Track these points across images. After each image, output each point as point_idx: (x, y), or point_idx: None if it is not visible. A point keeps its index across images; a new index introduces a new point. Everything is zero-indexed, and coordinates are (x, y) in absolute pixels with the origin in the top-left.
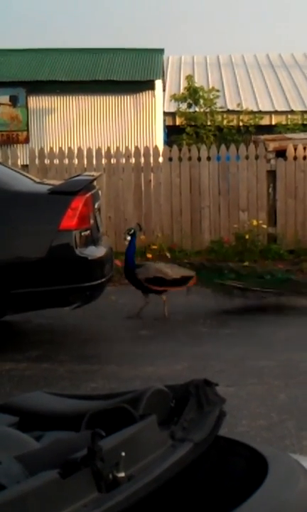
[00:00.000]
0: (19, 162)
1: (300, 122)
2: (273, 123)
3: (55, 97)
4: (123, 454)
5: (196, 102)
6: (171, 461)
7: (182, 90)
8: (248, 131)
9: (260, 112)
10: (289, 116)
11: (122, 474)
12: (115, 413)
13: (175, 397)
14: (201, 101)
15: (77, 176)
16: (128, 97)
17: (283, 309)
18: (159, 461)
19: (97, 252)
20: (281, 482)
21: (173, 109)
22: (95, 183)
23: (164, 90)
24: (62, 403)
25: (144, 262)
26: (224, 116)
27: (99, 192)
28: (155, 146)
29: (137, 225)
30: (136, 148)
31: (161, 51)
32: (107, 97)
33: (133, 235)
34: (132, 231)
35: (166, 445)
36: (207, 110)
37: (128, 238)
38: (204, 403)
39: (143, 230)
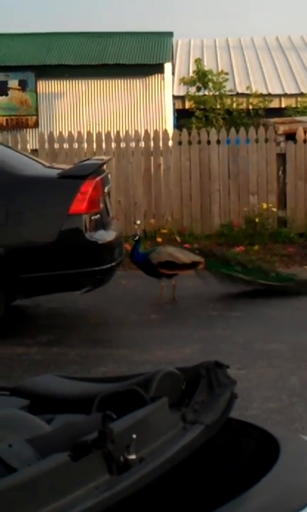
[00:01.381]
0: (28, 147)
1: None
2: (283, 106)
3: (64, 81)
4: (134, 436)
5: (205, 86)
6: (182, 444)
7: (191, 74)
8: (257, 115)
9: (269, 94)
10: (299, 99)
11: (133, 457)
12: (126, 396)
13: (186, 380)
14: (210, 84)
15: (87, 160)
16: (137, 80)
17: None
18: (170, 444)
19: (106, 236)
20: (293, 463)
21: (182, 93)
22: (105, 167)
23: (173, 74)
24: (73, 386)
25: (154, 246)
26: (234, 99)
27: (109, 176)
28: (165, 129)
29: (143, 232)
30: (146, 132)
31: (170, 34)
32: (116, 81)
33: (137, 241)
34: (137, 237)
35: (177, 427)
36: (217, 93)
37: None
38: (215, 385)
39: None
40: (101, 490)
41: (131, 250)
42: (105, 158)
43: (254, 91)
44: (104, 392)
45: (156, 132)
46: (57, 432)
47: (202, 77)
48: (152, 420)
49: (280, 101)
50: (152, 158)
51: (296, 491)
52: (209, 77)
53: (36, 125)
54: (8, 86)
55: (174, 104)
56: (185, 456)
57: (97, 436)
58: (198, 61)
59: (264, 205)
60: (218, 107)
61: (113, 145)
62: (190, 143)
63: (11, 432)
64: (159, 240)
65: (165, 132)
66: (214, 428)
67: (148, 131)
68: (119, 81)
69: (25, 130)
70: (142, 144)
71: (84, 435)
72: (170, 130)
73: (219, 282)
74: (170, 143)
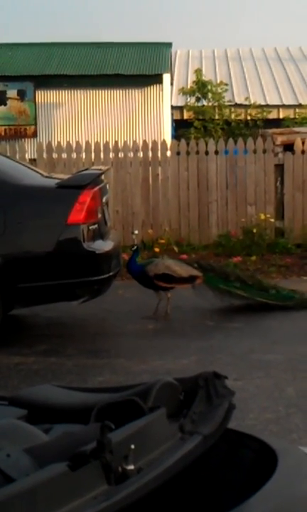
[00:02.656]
0: (27, 156)
1: None
2: (281, 117)
3: (63, 91)
4: (132, 446)
5: (204, 96)
6: (180, 454)
7: (190, 84)
8: (256, 125)
9: (268, 105)
10: (297, 110)
11: (131, 467)
12: (124, 406)
13: (184, 390)
14: (209, 95)
15: (85, 170)
16: (136, 90)
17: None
18: (168, 454)
19: (104, 246)
20: (291, 474)
21: (180, 103)
22: (103, 177)
23: (172, 84)
24: (71, 396)
25: (151, 258)
26: (232, 110)
27: (107, 186)
28: (163, 140)
29: (141, 242)
30: (144, 142)
31: (169, 45)
32: (115, 91)
33: (135, 251)
34: (135, 248)
35: (175, 438)
36: (216, 104)
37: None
38: (213, 396)
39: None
40: (99, 500)
41: (128, 260)
42: (103, 168)
43: (252, 102)
44: (102, 402)
45: (155, 142)
46: (55, 442)
47: (201, 88)
48: (150, 431)
49: (278, 112)
50: (150, 169)
51: (294, 502)
52: (209, 87)
53: (35, 135)
54: (7, 96)
55: (172, 115)
56: (183, 466)
57: (96, 446)
58: (198, 71)
59: (262, 216)
60: (217, 117)
61: (111, 155)
62: (188, 153)
63: (9, 442)
64: (157, 249)
65: (164, 142)
66: (213, 439)
67: (147, 141)
68: (118, 91)
69: (23, 140)
70: (140, 154)
71: (82, 445)
72: (169, 140)
73: (217, 297)
74: (169, 153)
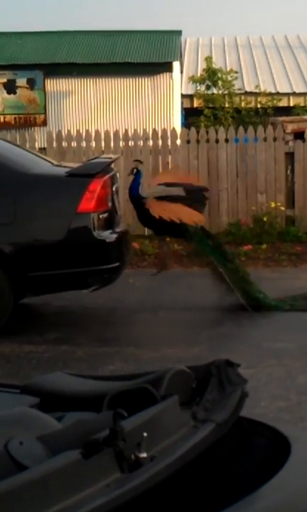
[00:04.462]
0: (37, 145)
1: None
2: (292, 105)
3: (73, 80)
4: (145, 434)
5: (215, 84)
6: (193, 442)
7: (200, 72)
8: (266, 113)
9: (278, 93)
10: None
11: (144, 455)
12: (137, 394)
13: (196, 378)
14: (219, 83)
15: (95, 158)
16: (145, 79)
17: None
18: (181, 442)
19: (114, 234)
20: (304, 461)
21: (190, 91)
22: (113, 165)
23: (181, 72)
24: (83, 384)
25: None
26: (242, 98)
27: (117, 174)
28: (173, 128)
29: (137, 161)
30: (154, 130)
31: (179, 33)
32: (125, 80)
33: (137, 173)
34: (135, 170)
35: (188, 426)
36: (226, 92)
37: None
38: (226, 384)
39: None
40: (112, 488)
41: (131, 184)
42: (113, 156)
43: (262, 90)
44: (114, 390)
45: (164, 131)
46: (68, 430)
47: (211, 76)
48: (163, 418)
49: (288, 100)
50: (160, 157)
51: None
52: (219, 75)
53: (44, 123)
54: (17, 84)
55: (182, 103)
56: (196, 454)
57: (108, 434)
58: (208, 59)
59: (272, 204)
60: (227, 105)
61: (121, 143)
62: (198, 141)
63: (22, 430)
64: (166, 239)
65: (174, 131)
66: (225, 426)
67: (157, 129)
68: (128, 79)
69: (33, 128)
70: (150, 143)
71: (95, 433)
72: (179, 129)
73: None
74: (179, 141)
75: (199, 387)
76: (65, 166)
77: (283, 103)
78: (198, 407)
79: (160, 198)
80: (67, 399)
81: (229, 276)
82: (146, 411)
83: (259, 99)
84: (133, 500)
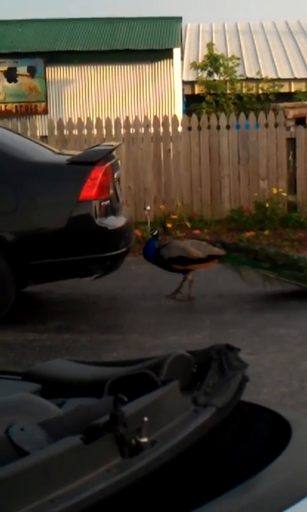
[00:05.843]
0: (38, 133)
1: None
2: (293, 90)
3: (73, 67)
4: (145, 419)
5: (216, 70)
6: (194, 427)
7: (201, 58)
8: (267, 99)
9: (279, 79)
10: None
11: (145, 440)
12: (137, 379)
13: (197, 363)
14: (221, 69)
15: (96, 146)
16: (146, 66)
17: None
18: (182, 426)
19: (116, 222)
20: (305, 445)
21: (191, 78)
22: (114, 153)
23: (182, 59)
24: (84, 370)
25: (168, 241)
26: (244, 84)
27: (119, 162)
28: (174, 115)
29: (161, 228)
30: (155, 117)
31: (179, 19)
32: (125, 67)
33: (155, 236)
34: (156, 232)
35: (189, 410)
36: (227, 78)
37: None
38: (226, 368)
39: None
40: (113, 473)
41: (146, 245)
42: (115, 144)
43: (264, 76)
44: (115, 375)
45: (166, 118)
46: (69, 416)
47: (213, 62)
48: (163, 403)
49: (290, 85)
50: (161, 144)
51: None
52: (221, 61)
53: (45, 111)
54: (17, 72)
55: (183, 90)
56: (196, 438)
57: (109, 419)
58: (210, 45)
59: (274, 190)
60: (228, 91)
61: (122, 131)
62: (199, 128)
63: (23, 416)
64: (169, 225)
65: (175, 118)
66: (226, 411)
67: (158, 116)
68: (128, 66)
69: (34, 117)
70: (151, 130)
71: (96, 418)
72: (180, 115)
73: (242, 279)
74: (180, 128)
75: (199, 372)
76: (66, 154)
77: (285, 89)
78: (199, 392)
79: (176, 260)
80: (68, 385)
81: (283, 277)
82: (147, 396)
83: (260, 85)
84: (134, 484)
